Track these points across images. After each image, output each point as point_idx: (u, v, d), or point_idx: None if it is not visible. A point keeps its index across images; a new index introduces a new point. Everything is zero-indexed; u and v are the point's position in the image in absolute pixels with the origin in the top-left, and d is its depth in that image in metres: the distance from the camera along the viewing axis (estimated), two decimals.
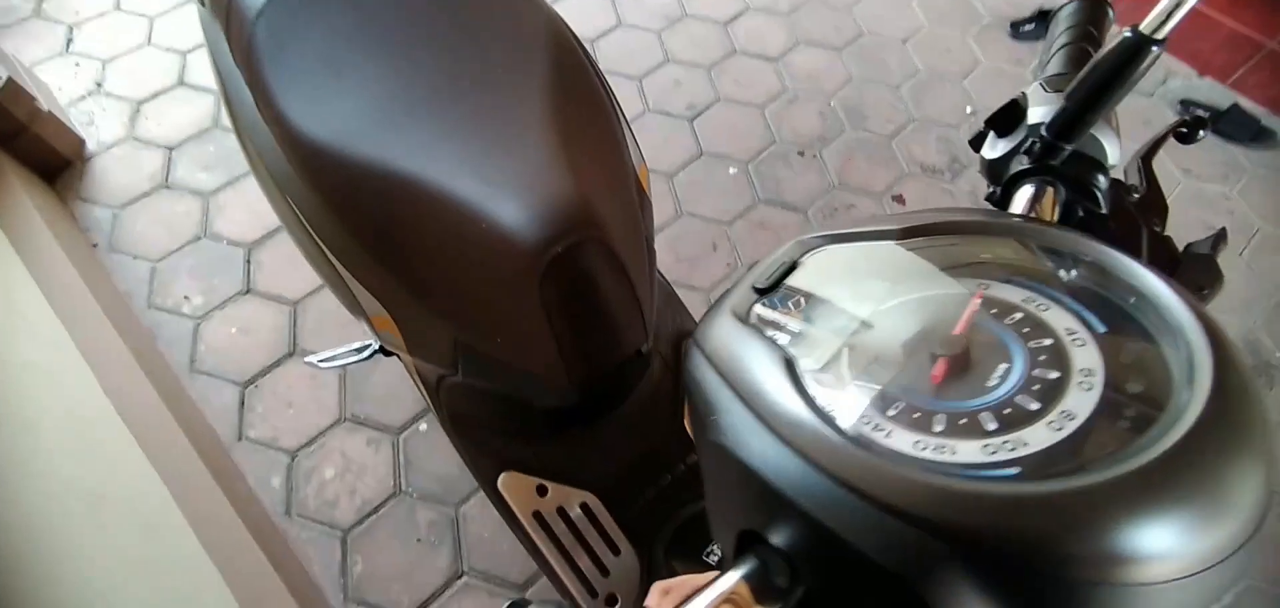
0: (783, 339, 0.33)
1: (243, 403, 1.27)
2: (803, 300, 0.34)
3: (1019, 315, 0.30)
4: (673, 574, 0.33)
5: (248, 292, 1.38)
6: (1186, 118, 0.43)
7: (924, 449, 0.26)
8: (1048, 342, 0.29)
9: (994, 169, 0.43)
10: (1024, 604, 0.23)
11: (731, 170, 1.59)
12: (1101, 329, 0.29)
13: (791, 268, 0.36)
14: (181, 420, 1.14)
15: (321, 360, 1.03)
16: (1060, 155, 0.39)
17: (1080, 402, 0.26)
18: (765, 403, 0.29)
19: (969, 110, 1.71)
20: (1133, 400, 0.26)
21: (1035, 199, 0.40)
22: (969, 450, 0.26)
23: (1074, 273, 0.32)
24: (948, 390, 0.28)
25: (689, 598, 0.27)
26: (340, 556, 1.15)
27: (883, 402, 0.28)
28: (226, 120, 1.35)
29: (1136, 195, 0.42)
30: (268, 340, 1.33)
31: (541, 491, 0.69)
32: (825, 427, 0.27)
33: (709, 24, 1.84)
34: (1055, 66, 0.44)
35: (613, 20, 1.83)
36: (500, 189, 0.54)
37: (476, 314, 0.57)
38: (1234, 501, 0.23)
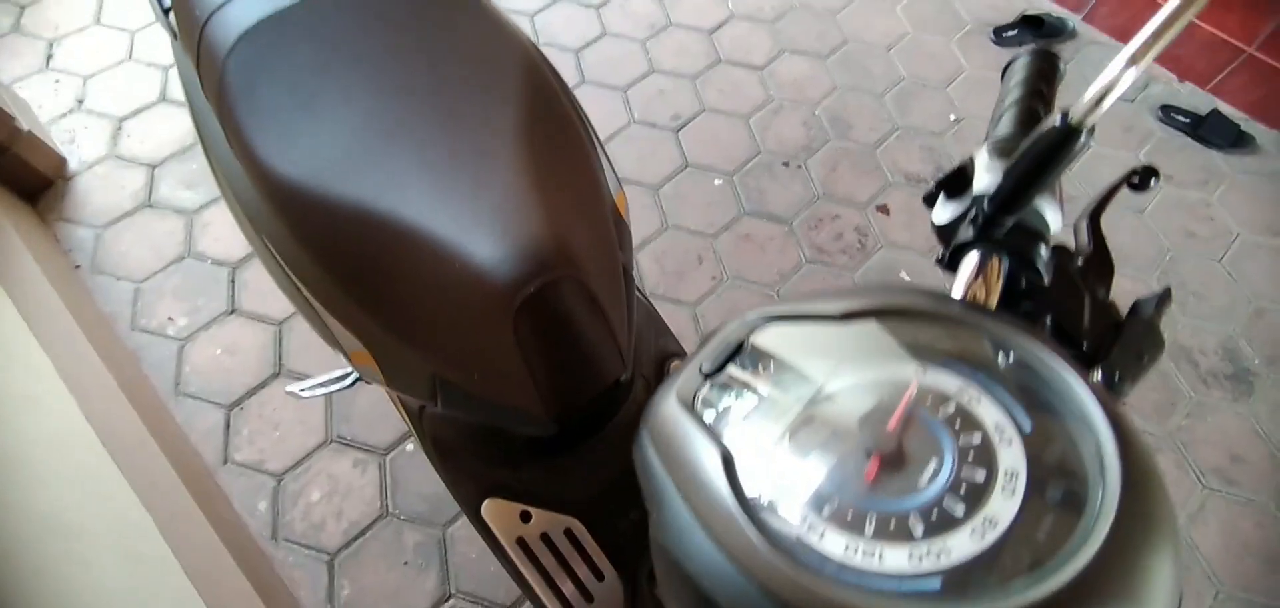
0: (727, 426, 0.33)
1: (228, 426, 1.27)
2: (748, 384, 0.35)
3: (951, 409, 0.31)
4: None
5: (232, 312, 1.38)
6: (1137, 169, 0.43)
7: (854, 554, 0.27)
8: (976, 439, 0.30)
9: (943, 233, 0.44)
10: None
11: (717, 182, 1.60)
12: (1027, 425, 0.30)
13: (739, 349, 0.36)
14: (165, 446, 1.14)
15: (303, 390, 1.04)
16: (1001, 227, 0.40)
17: (1003, 508, 0.27)
18: (702, 502, 0.30)
19: (953, 117, 1.72)
20: (1051, 509, 0.27)
21: (980, 266, 0.41)
22: (895, 559, 0.27)
23: (1008, 358, 0.33)
24: (880, 488, 0.29)
25: None
26: (328, 580, 1.15)
27: (817, 502, 0.29)
28: None
29: (1082, 259, 0.43)
30: (253, 361, 1.33)
31: (525, 517, 0.70)
32: (755, 533, 0.28)
33: (694, 33, 1.84)
34: (1005, 127, 0.45)
35: (597, 29, 1.82)
36: (472, 228, 0.54)
37: (453, 351, 0.57)
38: None
